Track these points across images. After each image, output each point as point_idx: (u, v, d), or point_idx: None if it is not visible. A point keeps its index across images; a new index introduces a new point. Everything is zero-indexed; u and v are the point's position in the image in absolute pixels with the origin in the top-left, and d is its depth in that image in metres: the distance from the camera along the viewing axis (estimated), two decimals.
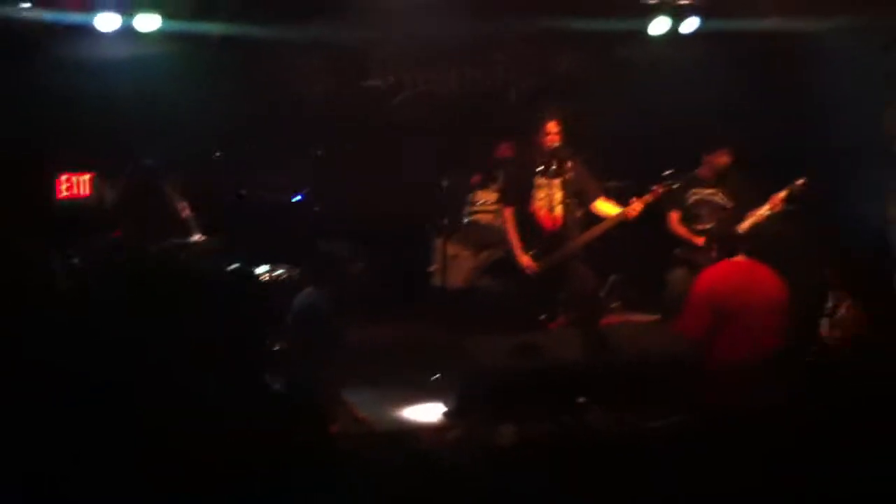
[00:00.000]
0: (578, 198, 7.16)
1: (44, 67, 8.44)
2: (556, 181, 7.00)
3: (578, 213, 7.30)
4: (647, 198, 6.98)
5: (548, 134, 6.96)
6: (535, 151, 7.04)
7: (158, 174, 7.13)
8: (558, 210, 6.97)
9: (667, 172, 7.08)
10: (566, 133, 7.04)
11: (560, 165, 6.99)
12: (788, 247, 8.07)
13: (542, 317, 7.79)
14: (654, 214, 7.64)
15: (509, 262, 7.15)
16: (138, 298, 5.48)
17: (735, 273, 6.11)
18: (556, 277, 7.02)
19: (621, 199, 7.33)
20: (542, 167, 7.03)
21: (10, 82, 8.27)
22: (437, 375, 6.93)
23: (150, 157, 7.23)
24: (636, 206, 6.92)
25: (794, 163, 8.51)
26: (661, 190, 7.01)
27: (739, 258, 6.17)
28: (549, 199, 7.01)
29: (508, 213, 7.09)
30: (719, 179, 7.70)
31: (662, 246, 7.80)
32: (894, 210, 9.03)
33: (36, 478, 3.25)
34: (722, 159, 7.66)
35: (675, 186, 7.20)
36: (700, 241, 7.41)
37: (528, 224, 7.03)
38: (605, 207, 7.11)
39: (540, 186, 7.04)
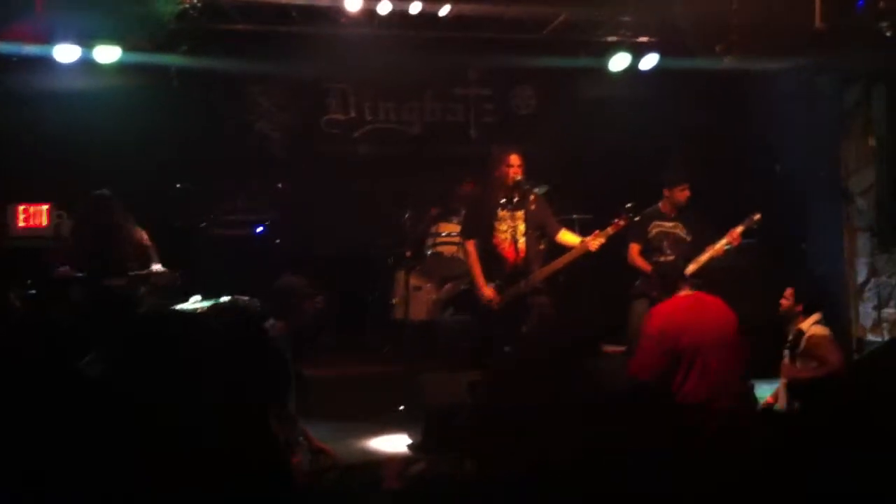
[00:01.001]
0: (540, 230, 7.18)
1: (2, 99, 8.36)
2: (518, 214, 7.01)
3: (541, 246, 7.32)
4: (608, 230, 7.02)
5: (509, 167, 6.99)
6: (497, 185, 7.05)
7: (115, 205, 7.02)
8: (521, 242, 6.97)
9: (628, 205, 7.12)
10: (527, 167, 7.07)
11: (522, 198, 7.01)
12: (744, 278, 8.17)
13: (505, 349, 7.77)
14: (618, 246, 7.69)
15: (472, 295, 7.14)
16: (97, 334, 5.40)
17: (682, 309, 6.08)
18: (517, 311, 7.00)
19: (584, 231, 7.36)
20: (503, 200, 7.04)
21: None
22: (401, 408, 6.87)
23: (107, 188, 7.12)
24: (597, 239, 6.96)
25: (751, 198, 8.63)
26: (622, 222, 7.05)
27: (685, 292, 6.17)
28: (512, 231, 7.00)
29: (471, 245, 7.08)
30: (679, 213, 7.77)
31: (625, 278, 7.84)
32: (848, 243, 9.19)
33: None
34: (682, 194, 7.74)
35: (635, 219, 7.25)
36: None
37: (490, 257, 7.02)
38: (568, 238, 7.14)
39: (502, 219, 7.05)
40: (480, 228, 7.05)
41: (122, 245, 6.86)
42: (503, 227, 7.00)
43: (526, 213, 6.99)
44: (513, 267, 6.93)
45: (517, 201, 6.98)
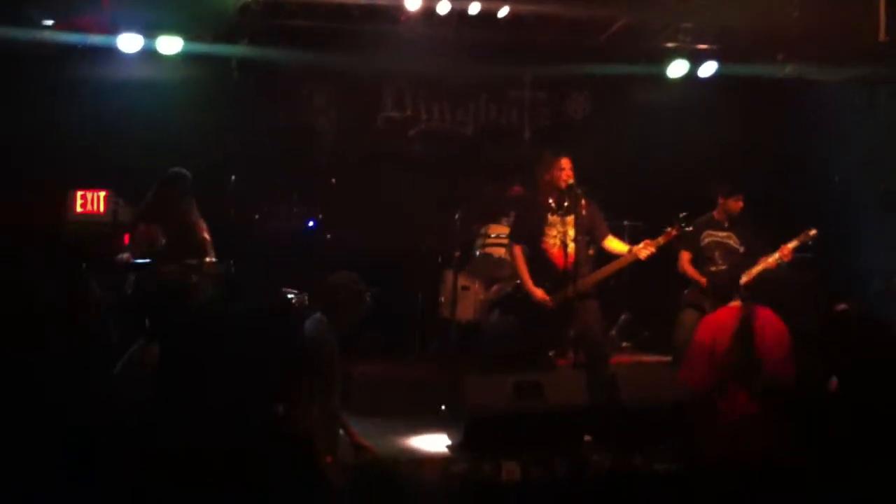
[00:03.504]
0: (590, 236, 7.15)
1: (66, 87, 8.53)
2: (569, 219, 6.98)
3: (590, 252, 7.29)
4: (660, 240, 6.96)
5: (561, 171, 6.97)
6: (548, 189, 7.03)
7: (189, 187, 7.07)
8: (571, 248, 6.95)
9: (682, 214, 7.04)
10: (579, 171, 7.05)
11: (573, 203, 6.99)
12: (797, 292, 8.07)
13: (551, 354, 7.79)
14: (668, 254, 7.64)
15: (520, 296, 7.13)
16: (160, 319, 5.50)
17: (734, 319, 6.04)
18: (565, 315, 6.98)
19: (635, 238, 7.32)
20: (554, 205, 7.03)
21: (32, 102, 8.37)
22: (442, 408, 6.90)
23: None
24: (648, 248, 6.91)
25: (807, 209, 8.53)
26: (674, 232, 6.98)
27: (738, 303, 6.12)
28: (562, 236, 6.99)
29: (518, 250, 7.06)
30: (733, 223, 7.70)
31: (675, 286, 7.79)
32: None
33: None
34: (736, 204, 7.66)
35: (688, 229, 7.18)
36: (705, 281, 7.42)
37: (539, 261, 7.00)
38: (616, 245, 7.10)
39: (552, 224, 7.03)
40: (529, 233, 7.04)
41: (188, 231, 6.91)
42: (553, 231, 6.98)
43: (576, 218, 6.95)
44: (562, 272, 6.90)
45: (567, 206, 6.97)
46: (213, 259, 6.89)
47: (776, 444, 5.65)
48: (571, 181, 6.94)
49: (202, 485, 3.47)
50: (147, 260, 6.77)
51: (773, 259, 7.42)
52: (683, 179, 9.19)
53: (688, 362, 6.10)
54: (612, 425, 6.39)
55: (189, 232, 6.87)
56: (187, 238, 6.85)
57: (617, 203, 8.98)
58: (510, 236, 7.28)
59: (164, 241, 6.84)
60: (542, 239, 6.98)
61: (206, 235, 6.96)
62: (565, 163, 6.98)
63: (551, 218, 7.00)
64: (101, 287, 6.62)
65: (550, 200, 7.00)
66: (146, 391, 4.95)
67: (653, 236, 7.00)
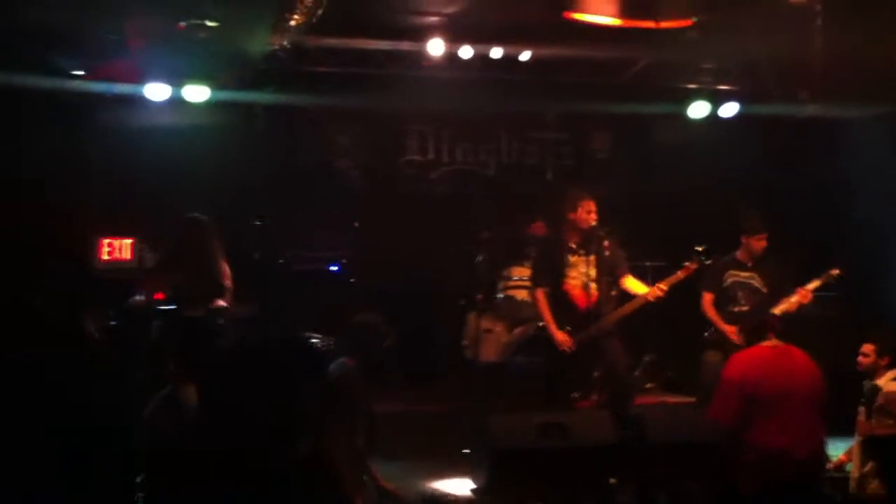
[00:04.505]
0: (611, 276, 7.15)
1: (94, 135, 8.67)
2: (591, 259, 6.99)
3: (613, 292, 7.29)
4: (679, 274, 6.98)
5: (588, 213, 6.98)
6: (571, 229, 7.05)
7: (210, 230, 7.15)
8: (593, 288, 6.95)
9: (698, 248, 7.03)
10: (602, 211, 7.07)
11: (595, 243, 7.00)
12: (823, 330, 8.01)
13: (575, 395, 7.76)
14: (692, 294, 7.62)
15: (543, 338, 7.13)
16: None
17: (766, 358, 6.00)
18: (588, 355, 6.97)
19: (655, 277, 7.32)
20: (576, 245, 7.04)
21: (62, 149, 8.50)
22: (467, 450, 6.87)
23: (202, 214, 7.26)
24: (659, 290, 6.93)
25: (832, 247, 8.49)
26: (693, 267, 6.97)
27: (771, 342, 6.08)
28: (584, 277, 6.99)
29: (541, 293, 7.06)
30: (756, 263, 7.67)
31: (698, 326, 7.76)
32: None
33: None
34: (759, 243, 7.63)
35: (707, 262, 7.16)
36: (726, 327, 7.35)
37: (561, 302, 7.00)
38: (633, 285, 7.10)
39: (574, 265, 7.03)
40: (552, 274, 7.04)
41: (208, 276, 6.96)
42: (574, 272, 6.99)
43: (598, 259, 6.96)
44: (584, 313, 6.91)
45: (590, 247, 6.98)
46: (237, 302, 6.95)
47: (809, 473, 5.63)
48: (594, 223, 6.96)
49: None
50: (172, 306, 6.83)
51: (794, 300, 7.37)
52: (706, 218, 9.17)
53: (718, 400, 6.07)
54: (638, 465, 6.35)
55: (209, 277, 6.92)
56: (206, 283, 6.90)
57: (639, 242, 8.99)
58: (532, 279, 7.28)
59: (180, 285, 6.89)
60: (564, 280, 6.99)
61: (228, 282, 7.02)
62: (590, 205, 7.00)
63: (573, 259, 7.00)
64: (129, 330, 6.72)
65: (573, 241, 7.01)
66: (180, 431, 4.98)
67: (667, 276, 7.03)
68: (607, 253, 7.03)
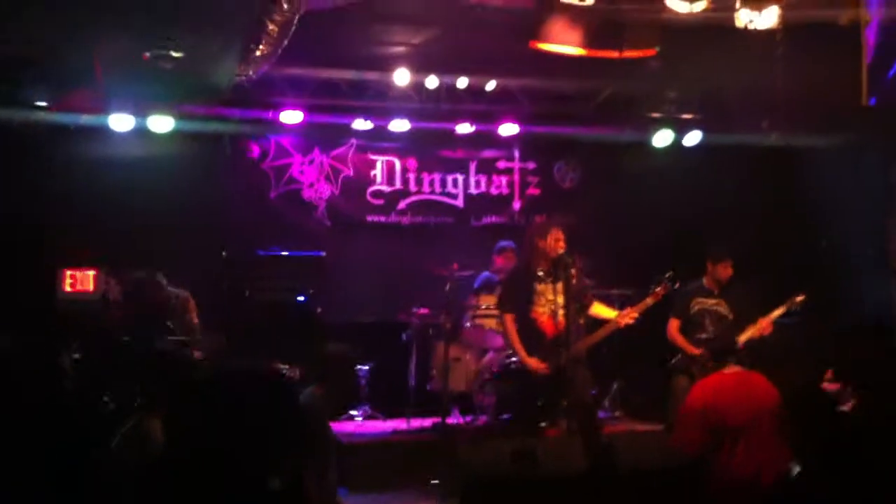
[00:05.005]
0: (579, 304, 7.17)
1: (57, 166, 8.58)
2: (559, 287, 7.00)
3: (581, 320, 7.30)
4: (647, 301, 7.04)
5: (556, 241, 7.00)
6: (538, 257, 7.06)
7: (158, 285, 7.12)
8: (560, 315, 6.97)
9: (668, 274, 7.09)
10: (570, 239, 7.10)
11: (563, 272, 7.02)
12: (788, 356, 8.06)
13: (543, 424, 7.74)
14: (658, 322, 7.65)
15: (513, 366, 7.11)
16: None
17: (728, 385, 6.02)
18: (556, 383, 6.96)
19: (622, 306, 7.34)
20: (544, 273, 7.05)
21: (25, 180, 8.42)
22: (436, 481, 6.83)
23: (154, 267, 7.23)
24: (630, 315, 6.97)
25: (796, 273, 8.56)
26: (661, 292, 7.03)
27: (732, 369, 6.11)
28: (551, 305, 7.00)
29: (509, 319, 7.06)
30: (722, 290, 7.72)
31: (665, 352, 7.79)
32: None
33: None
34: (725, 270, 7.70)
35: (675, 287, 7.21)
36: (696, 350, 7.42)
37: (529, 329, 7.00)
38: (601, 310, 7.13)
39: (541, 293, 7.04)
40: (519, 302, 7.04)
41: (168, 321, 6.92)
42: (542, 300, 7.00)
43: (566, 286, 6.98)
44: (552, 340, 6.91)
45: (557, 274, 6.99)
46: (197, 328, 6.89)
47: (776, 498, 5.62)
48: (562, 251, 6.98)
49: None
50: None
51: (756, 329, 7.42)
52: (672, 246, 9.23)
53: (680, 429, 6.07)
54: (609, 494, 6.33)
55: (173, 320, 6.88)
56: (176, 319, 6.84)
57: (606, 271, 9.02)
58: (500, 305, 7.27)
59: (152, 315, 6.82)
60: (531, 308, 6.99)
61: (195, 318, 6.97)
62: (558, 233, 7.03)
63: (540, 287, 7.01)
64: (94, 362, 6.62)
65: (540, 269, 7.02)
66: (147, 466, 4.89)
67: (635, 303, 7.08)
68: (574, 281, 7.05)
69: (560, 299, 6.95)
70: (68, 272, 8.08)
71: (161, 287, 7.15)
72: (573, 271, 7.03)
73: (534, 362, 6.84)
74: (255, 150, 9.47)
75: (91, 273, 8.05)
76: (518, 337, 6.95)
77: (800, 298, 7.48)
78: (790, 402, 5.80)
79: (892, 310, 9.16)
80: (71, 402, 4.56)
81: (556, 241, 6.99)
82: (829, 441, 4.59)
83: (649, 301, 7.03)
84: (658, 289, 7.03)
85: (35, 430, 3.91)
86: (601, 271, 8.95)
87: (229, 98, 8.67)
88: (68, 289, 8.08)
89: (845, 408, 6.26)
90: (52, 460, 3.66)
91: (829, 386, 6.76)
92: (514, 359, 7.19)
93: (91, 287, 8.04)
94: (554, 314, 6.96)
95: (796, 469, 5.24)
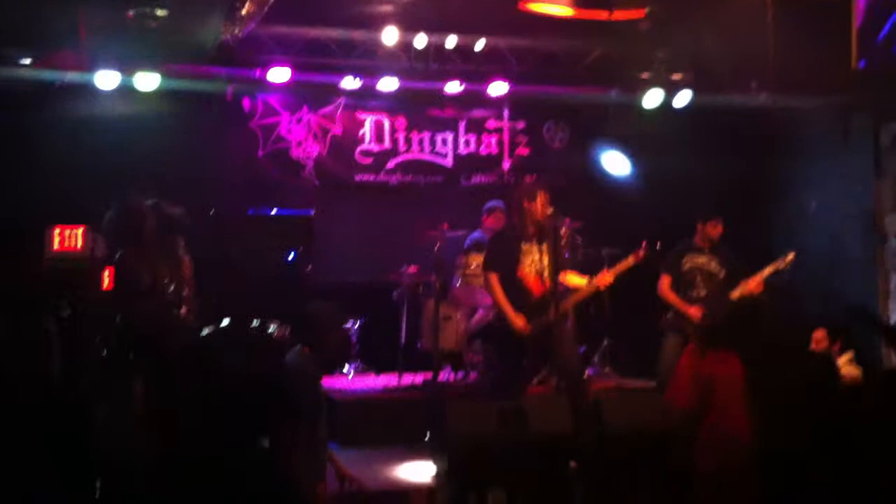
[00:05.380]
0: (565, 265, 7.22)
1: (43, 124, 8.51)
2: (544, 247, 7.03)
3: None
4: (620, 266, 7.12)
5: (541, 204, 7.01)
6: (525, 219, 7.06)
7: (149, 214, 6.97)
8: (545, 275, 7.00)
9: (644, 242, 7.16)
10: (559, 200, 7.11)
11: (550, 234, 7.05)
12: (778, 317, 8.12)
13: (533, 381, 7.80)
14: (648, 279, 7.69)
15: (499, 324, 7.13)
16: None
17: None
18: (541, 343, 7.00)
19: (614, 265, 7.35)
20: (531, 234, 7.06)
21: (8, 139, 8.35)
22: (426, 438, 6.87)
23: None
24: (607, 277, 7.02)
25: (785, 234, 8.61)
26: (641, 253, 7.10)
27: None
28: (537, 265, 7.03)
29: (494, 278, 7.05)
30: (713, 248, 7.75)
31: (655, 310, 7.83)
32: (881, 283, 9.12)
33: None
34: (715, 229, 7.72)
35: (656, 250, 7.26)
36: (687, 308, 7.48)
37: (515, 288, 7.02)
38: (573, 279, 7.12)
39: (527, 252, 7.06)
40: (506, 261, 7.05)
41: (160, 264, 6.82)
42: (528, 259, 7.02)
43: (550, 247, 7.02)
44: (539, 299, 6.94)
45: (543, 235, 7.02)
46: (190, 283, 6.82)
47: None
48: (549, 212, 6.99)
49: None
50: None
51: (751, 285, 7.47)
52: (661, 206, 9.26)
53: (675, 383, 6.13)
54: (598, 451, 6.38)
55: (174, 268, 6.79)
56: (172, 275, 6.76)
57: (595, 230, 9.05)
58: (486, 264, 7.26)
59: (148, 277, 6.73)
60: (517, 267, 7.00)
61: (188, 273, 6.89)
62: (544, 196, 7.03)
63: (526, 247, 7.03)
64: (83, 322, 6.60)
65: (527, 230, 7.03)
66: (136, 429, 4.90)
67: (611, 265, 7.15)
68: (560, 241, 7.10)
69: (545, 259, 6.98)
70: (56, 229, 8.04)
71: (147, 214, 6.92)
72: (562, 233, 7.05)
73: (520, 322, 6.86)
74: (244, 108, 9.40)
75: (80, 230, 8.00)
76: (504, 296, 6.96)
77: (790, 257, 7.52)
78: (782, 363, 5.89)
79: (877, 272, 9.24)
80: (55, 367, 4.54)
81: (542, 205, 7.00)
82: (823, 403, 4.65)
83: (629, 262, 7.10)
84: (631, 256, 7.11)
85: (20, 395, 3.91)
86: (590, 231, 8.99)
87: (215, 56, 8.61)
88: (57, 246, 8.04)
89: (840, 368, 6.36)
90: (36, 424, 3.67)
91: (817, 347, 6.84)
92: (494, 319, 7.24)
93: (80, 244, 7.99)
94: (540, 274, 6.99)
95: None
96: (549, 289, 6.91)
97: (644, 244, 7.14)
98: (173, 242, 6.90)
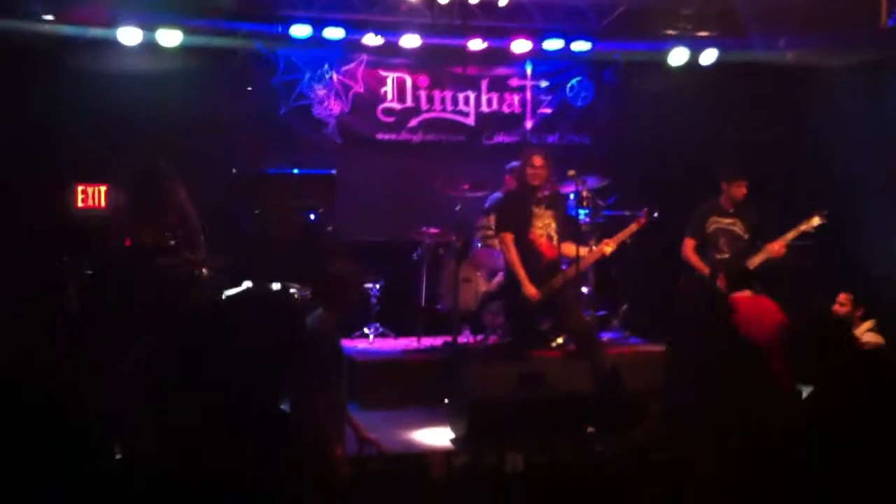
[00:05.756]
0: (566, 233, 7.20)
1: (66, 81, 8.51)
2: (550, 212, 7.04)
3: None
4: (622, 234, 7.16)
5: (533, 168, 7.00)
6: (532, 182, 7.05)
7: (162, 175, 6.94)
8: (556, 239, 7.01)
9: (646, 209, 7.16)
10: (583, 159, 7.16)
11: (553, 198, 7.08)
12: (801, 279, 8.07)
13: (553, 345, 7.83)
14: (669, 242, 7.66)
15: (512, 287, 7.13)
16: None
17: (741, 308, 6.06)
18: (550, 307, 7.02)
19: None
20: (540, 197, 7.06)
21: (32, 95, 8.36)
22: (446, 400, 6.91)
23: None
24: (608, 246, 7.03)
25: (812, 196, 8.51)
26: (642, 221, 7.12)
27: (746, 293, 6.14)
28: (547, 228, 7.04)
29: (509, 238, 7.05)
30: (738, 209, 7.69)
31: (673, 273, 7.80)
32: None
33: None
34: (739, 190, 7.65)
35: (654, 217, 7.24)
36: (709, 271, 7.45)
37: (528, 251, 7.02)
38: (571, 249, 7.08)
39: (538, 216, 7.06)
40: (516, 223, 7.05)
41: (183, 221, 6.81)
42: (539, 223, 7.03)
43: (555, 213, 7.03)
44: (549, 262, 6.96)
45: (549, 200, 7.02)
46: (204, 245, 6.82)
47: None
48: (544, 177, 6.99)
49: (209, 482, 3.47)
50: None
51: (772, 251, 7.42)
52: (686, 166, 9.18)
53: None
54: (615, 414, 6.41)
55: (184, 222, 6.78)
56: (182, 229, 6.76)
57: (618, 190, 9.00)
58: (499, 225, 7.25)
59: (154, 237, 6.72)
60: (529, 230, 7.01)
61: (197, 224, 6.86)
62: (537, 160, 7.01)
63: (537, 210, 7.03)
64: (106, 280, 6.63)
65: (538, 193, 7.03)
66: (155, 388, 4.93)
67: (654, 226, 7.11)
68: (563, 208, 7.20)
69: (554, 223, 6.99)
70: (80, 187, 8.08)
71: (170, 176, 6.94)
72: (583, 194, 7.03)
73: (532, 290, 6.86)
74: (265, 64, 9.34)
75: (103, 188, 8.04)
76: (518, 259, 6.96)
77: (815, 220, 7.43)
78: (803, 326, 5.87)
79: None
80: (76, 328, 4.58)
81: (535, 169, 6.98)
82: (841, 365, 4.63)
83: (633, 228, 7.14)
84: (640, 218, 7.11)
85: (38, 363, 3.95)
86: (612, 191, 8.93)
87: (237, 12, 8.56)
88: (80, 204, 8.09)
89: (856, 332, 6.32)
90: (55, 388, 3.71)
91: (840, 309, 6.79)
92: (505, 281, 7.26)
93: (103, 202, 8.04)
94: (550, 238, 7.00)
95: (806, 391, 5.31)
96: (559, 253, 6.94)
97: (646, 211, 7.18)
98: (176, 194, 6.84)
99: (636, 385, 6.59)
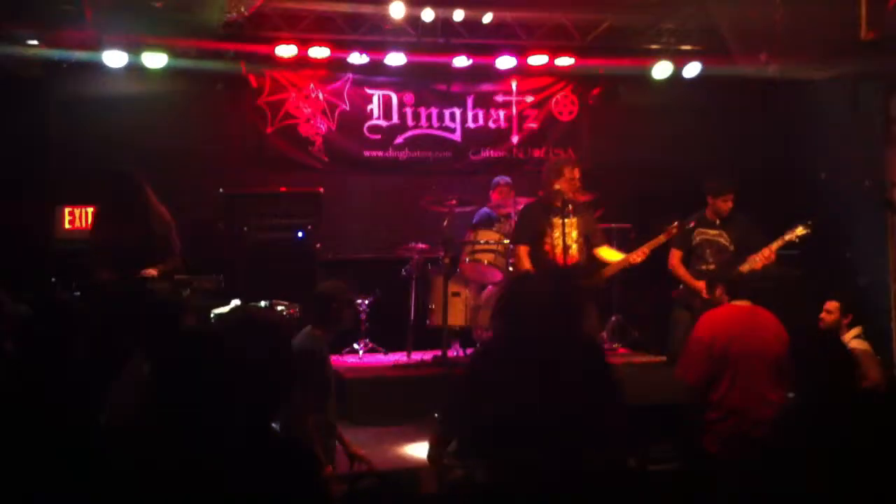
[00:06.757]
0: (588, 240, 7.30)
1: (52, 104, 8.52)
2: (571, 221, 7.10)
3: (589, 254, 7.41)
4: (654, 242, 7.24)
5: (572, 181, 7.10)
6: (554, 194, 7.14)
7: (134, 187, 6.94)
8: (573, 249, 7.06)
9: (676, 223, 7.23)
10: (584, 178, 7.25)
11: (576, 208, 7.15)
12: (787, 288, 8.09)
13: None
14: (656, 255, 7.70)
15: None
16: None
17: (736, 318, 6.05)
18: None
19: (622, 240, 7.39)
20: (559, 207, 7.12)
21: (19, 119, 8.37)
22: (435, 415, 6.89)
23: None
24: (643, 251, 7.13)
25: (796, 207, 8.56)
26: (673, 230, 7.18)
27: (741, 302, 6.13)
28: (564, 238, 7.09)
29: (523, 251, 7.17)
30: (724, 222, 7.73)
31: (663, 286, 7.84)
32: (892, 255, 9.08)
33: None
34: (725, 203, 7.69)
35: (687, 227, 7.32)
36: (696, 283, 7.47)
37: (539, 262, 7.09)
38: (608, 254, 7.19)
39: (555, 226, 7.14)
40: (529, 236, 7.13)
41: (148, 233, 6.81)
42: (556, 233, 7.10)
43: (578, 222, 7.11)
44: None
45: (572, 210, 7.08)
46: (179, 255, 6.82)
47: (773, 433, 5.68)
48: (578, 187, 7.11)
49: (199, 501, 3.45)
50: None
51: (758, 260, 7.45)
52: (671, 179, 9.23)
53: (686, 358, 6.11)
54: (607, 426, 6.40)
55: (148, 234, 6.77)
56: (152, 241, 6.76)
57: (603, 204, 9.04)
58: (514, 237, 7.36)
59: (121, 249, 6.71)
60: (543, 241, 7.09)
61: (168, 220, 6.84)
62: (576, 172, 7.15)
63: (555, 220, 7.11)
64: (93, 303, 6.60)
65: (555, 203, 7.11)
66: (143, 411, 4.90)
67: (645, 242, 7.17)
68: (586, 216, 7.26)
69: (574, 232, 7.06)
70: (67, 209, 8.09)
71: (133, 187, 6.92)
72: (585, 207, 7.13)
73: None
74: (252, 85, 9.37)
75: (90, 209, 8.04)
76: (531, 269, 7.05)
77: (800, 230, 7.47)
78: (793, 336, 5.86)
79: (887, 242, 9.19)
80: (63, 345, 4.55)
81: (574, 182, 7.10)
82: (830, 375, 4.62)
83: (662, 238, 7.19)
84: (670, 227, 7.16)
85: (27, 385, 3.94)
86: (598, 205, 8.97)
87: (222, 34, 8.60)
88: (67, 226, 8.10)
89: (843, 339, 6.32)
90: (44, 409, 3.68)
91: (827, 317, 6.80)
92: None
93: (90, 224, 8.03)
94: (566, 248, 7.05)
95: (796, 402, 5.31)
96: (572, 263, 6.99)
97: (676, 223, 7.25)
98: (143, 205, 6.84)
99: (629, 397, 6.58)
